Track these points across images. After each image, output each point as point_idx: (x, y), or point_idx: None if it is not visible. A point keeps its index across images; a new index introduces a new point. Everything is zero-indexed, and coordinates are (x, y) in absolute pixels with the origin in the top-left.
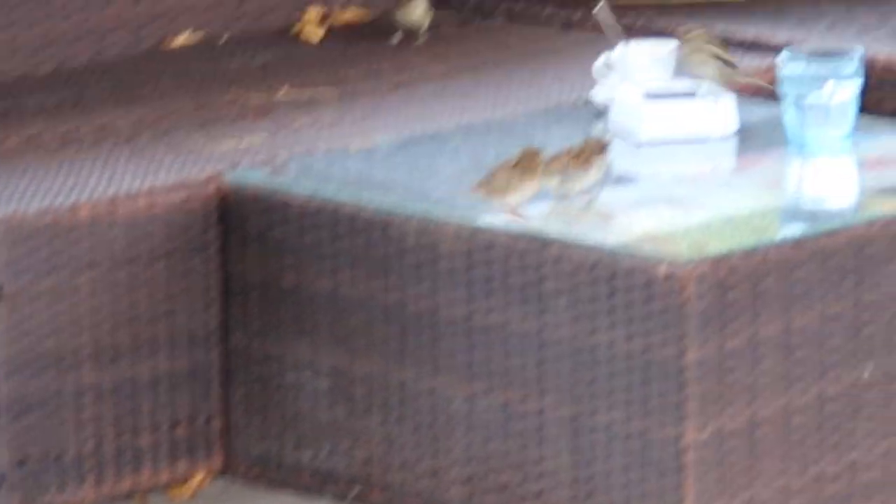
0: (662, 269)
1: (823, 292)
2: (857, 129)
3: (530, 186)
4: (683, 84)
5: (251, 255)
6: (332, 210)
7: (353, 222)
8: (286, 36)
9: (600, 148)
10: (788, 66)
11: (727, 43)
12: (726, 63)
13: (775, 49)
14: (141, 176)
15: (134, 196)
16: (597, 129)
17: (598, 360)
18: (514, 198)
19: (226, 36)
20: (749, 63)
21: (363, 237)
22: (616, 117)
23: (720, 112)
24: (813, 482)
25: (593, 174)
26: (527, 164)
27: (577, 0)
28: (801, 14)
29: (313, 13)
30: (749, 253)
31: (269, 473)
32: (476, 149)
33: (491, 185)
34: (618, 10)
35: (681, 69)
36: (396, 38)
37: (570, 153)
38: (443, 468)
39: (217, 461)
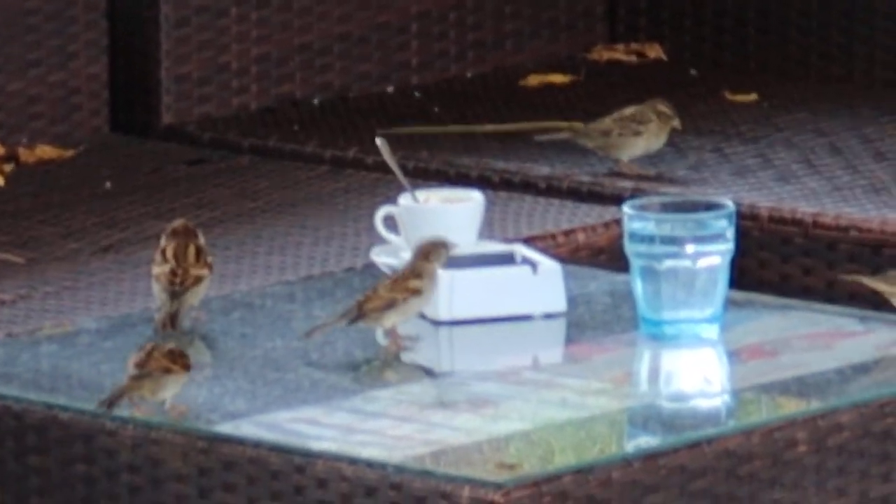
0: (465, 495)
1: None
2: (728, 307)
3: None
4: (492, 247)
5: None
6: (17, 415)
7: (45, 432)
8: None
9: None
10: (635, 223)
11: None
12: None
13: (618, 199)
14: None
15: None
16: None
17: None
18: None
19: None
20: (584, 217)
21: (59, 452)
22: None
23: (543, 282)
24: None
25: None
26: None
27: (347, 132)
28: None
29: None
30: (584, 472)
31: None
32: (215, 328)
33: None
34: (407, 143)
35: None
36: (109, 184)
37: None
38: None
39: None
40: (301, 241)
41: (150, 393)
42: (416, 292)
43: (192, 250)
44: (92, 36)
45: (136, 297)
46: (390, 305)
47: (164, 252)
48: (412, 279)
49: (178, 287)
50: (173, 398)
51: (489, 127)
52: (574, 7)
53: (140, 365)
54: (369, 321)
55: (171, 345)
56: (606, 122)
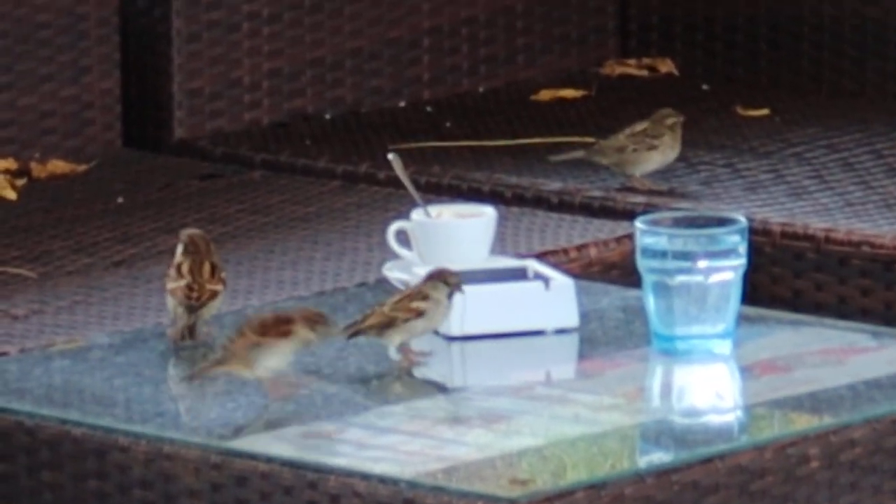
0: None
1: None
2: (740, 322)
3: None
4: (504, 262)
5: None
6: (30, 431)
7: (57, 447)
8: None
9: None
10: (647, 238)
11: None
12: None
13: (631, 214)
14: None
15: None
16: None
17: None
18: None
19: None
20: (596, 232)
21: (72, 467)
22: None
23: (556, 298)
24: None
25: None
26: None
27: (360, 147)
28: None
29: (2, 165)
30: (596, 488)
31: None
32: None
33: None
34: (419, 158)
35: None
36: (120, 198)
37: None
38: None
39: None
40: (313, 256)
41: (246, 367)
42: (419, 314)
43: (206, 266)
44: (104, 51)
45: (149, 312)
46: (389, 324)
47: (179, 268)
48: (416, 300)
49: (194, 302)
50: (290, 366)
51: (501, 142)
52: (586, 22)
53: (230, 341)
54: (368, 337)
55: (264, 316)
56: (620, 138)
